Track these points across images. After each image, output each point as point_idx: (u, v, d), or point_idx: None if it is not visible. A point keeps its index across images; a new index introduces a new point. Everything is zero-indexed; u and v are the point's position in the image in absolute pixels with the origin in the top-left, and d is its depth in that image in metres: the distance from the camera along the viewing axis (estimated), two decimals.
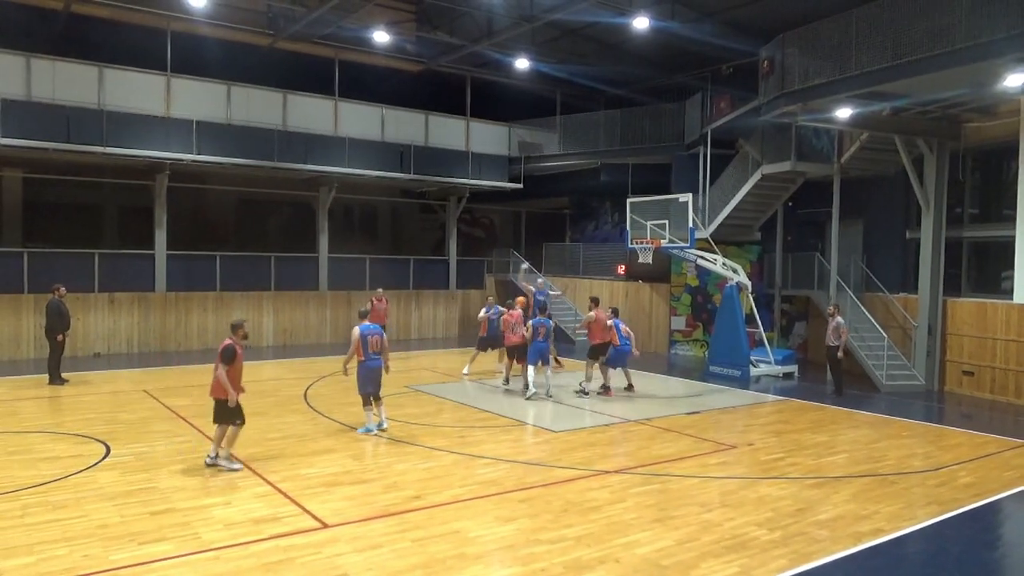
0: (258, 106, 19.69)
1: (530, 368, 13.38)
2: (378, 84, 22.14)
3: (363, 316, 10.87)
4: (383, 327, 18.00)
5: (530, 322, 13.76)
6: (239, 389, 8.80)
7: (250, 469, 8.67)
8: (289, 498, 7.67)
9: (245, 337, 9.10)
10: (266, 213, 24.12)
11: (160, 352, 18.96)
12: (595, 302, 14.33)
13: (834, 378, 14.86)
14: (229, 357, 8.62)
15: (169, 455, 9.24)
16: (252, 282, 20.75)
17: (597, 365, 13.99)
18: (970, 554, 6.81)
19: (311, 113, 20.51)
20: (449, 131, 23.13)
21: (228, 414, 8.69)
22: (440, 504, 7.60)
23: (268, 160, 19.42)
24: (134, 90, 17.93)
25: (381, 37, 19.48)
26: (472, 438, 10.55)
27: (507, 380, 14.56)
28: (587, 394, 13.69)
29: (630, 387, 14.32)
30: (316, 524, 6.96)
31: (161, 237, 19.30)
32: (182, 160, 18.33)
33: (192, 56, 19.07)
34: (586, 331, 14.70)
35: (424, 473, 8.69)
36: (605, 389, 13.92)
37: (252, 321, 20.64)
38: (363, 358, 10.33)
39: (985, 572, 6.55)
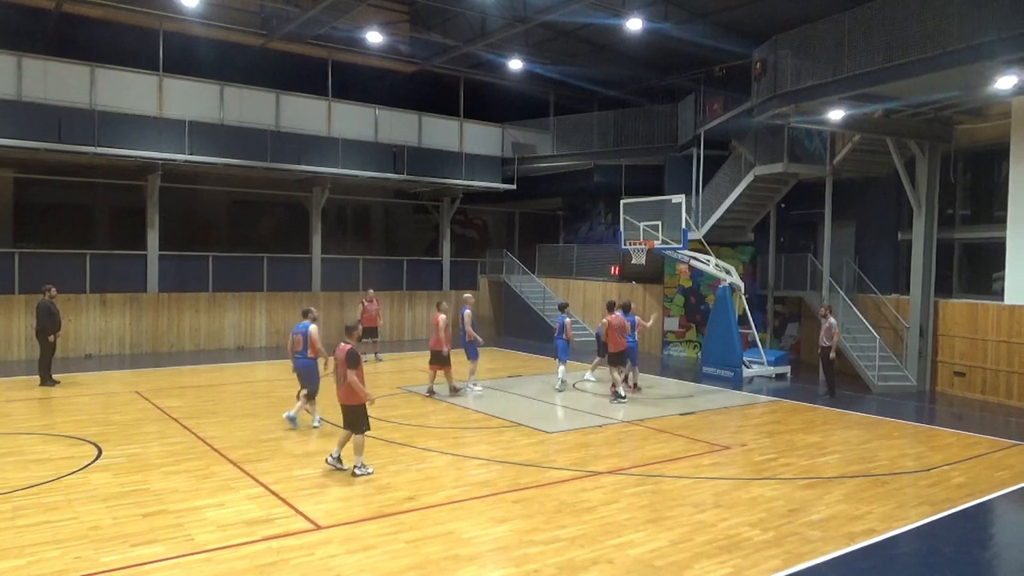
0: (251, 106, 19.64)
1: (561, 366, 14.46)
2: (371, 85, 22.12)
3: (304, 315, 11.08)
4: (376, 329, 18.10)
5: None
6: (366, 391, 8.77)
7: (243, 470, 8.65)
8: (282, 499, 7.65)
9: (360, 339, 9.27)
10: (259, 214, 24.07)
11: (152, 353, 18.89)
12: (610, 307, 14.04)
13: (827, 379, 14.91)
14: (355, 360, 8.55)
15: (161, 456, 9.21)
16: (245, 283, 20.69)
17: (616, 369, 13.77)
18: (963, 554, 6.84)
19: (304, 113, 20.48)
20: (442, 132, 23.12)
21: (355, 420, 8.60)
22: (433, 505, 7.59)
23: (261, 161, 19.38)
24: (126, 90, 17.85)
25: (374, 38, 19.46)
26: (465, 439, 10.55)
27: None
28: (624, 397, 13.56)
29: (636, 387, 14.43)
30: (309, 525, 6.94)
31: (153, 238, 19.23)
32: (174, 160, 18.27)
33: (185, 56, 19.01)
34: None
35: (417, 474, 8.69)
36: (631, 387, 14.34)
37: (244, 322, 20.61)
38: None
39: (978, 572, 6.58)
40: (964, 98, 13.84)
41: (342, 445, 8.77)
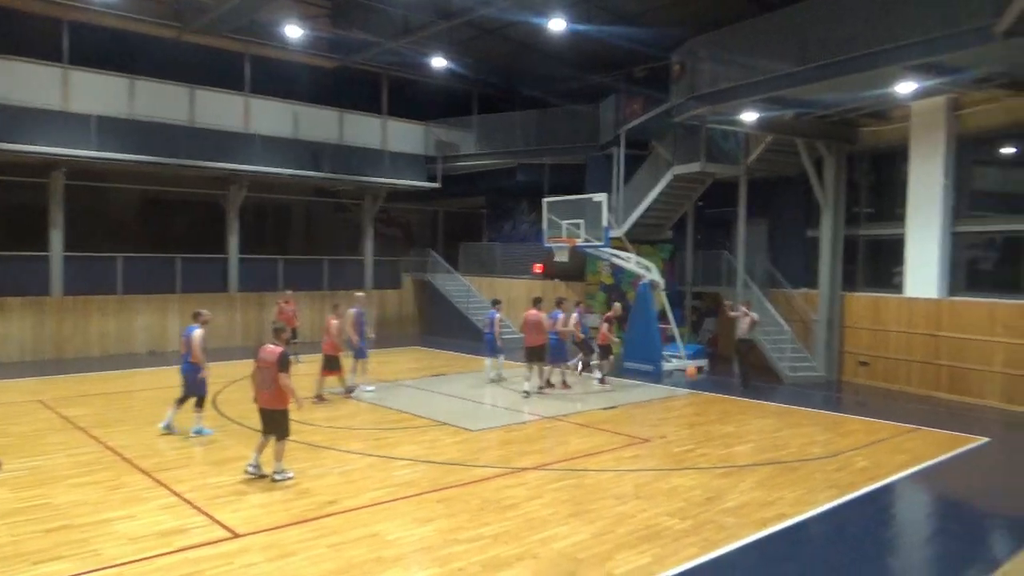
0: (164, 101, 18.91)
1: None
2: (291, 80, 21.62)
3: (194, 318, 10.76)
4: (294, 330, 17.66)
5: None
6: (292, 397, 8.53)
7: (155, 480, 8.32)
8: (197, 508, 7.40)
9: (287, 342, 8.94)
10: (172, 212, 23.12)
11: (56, 360, 17.92)
12: (535, 302, 14.56)
13: (741, 371, 15.44)
14: (286, 363, 8.29)
15: (67, 468, 8.77)
16: (157, 284, 19.87)
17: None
18: (866, 534, 7.21)
19: (220, 109, 19.84)
20: (365, 129, 22.81)
21: (276, 426, 8.39)
22: (356, 508, 7.49)
23: (174, 157, 18.66)
24: (26, 82, 16.91)
25: (294, 32, 19.01)
26: (389, 440, 10.45)
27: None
28: (535, 392, 13.85)
29: (564, 384, 14.72)
30: (226, 534, 6.74)
31: (57, 238, 18.26)
32: (80, 157, 17.39)
33: (93, 47, 18.12)
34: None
35: (339, 477, 8.55)
36: (552, 385, 14.52)
37: (156, 325, 19.82)
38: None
39: (880, 550, 6.95)
40: (868, 102, 14.55)
41: (260, 451, 8.52)
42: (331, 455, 9.54)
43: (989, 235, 14.95)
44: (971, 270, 14.98)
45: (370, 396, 13.50)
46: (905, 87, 12.98)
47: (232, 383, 14.71)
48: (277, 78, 21.24)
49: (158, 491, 7.94)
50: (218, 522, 7.02)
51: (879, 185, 17.18)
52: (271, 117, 20.78)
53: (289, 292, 18.45)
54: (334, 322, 13.30)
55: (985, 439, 11.06)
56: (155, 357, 18.88)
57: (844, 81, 12.74)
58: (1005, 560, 6.41)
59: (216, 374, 15.73)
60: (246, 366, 16.53)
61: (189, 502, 7.58)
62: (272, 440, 8.44)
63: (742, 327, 15.29)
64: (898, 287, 15.71)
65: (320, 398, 13.00)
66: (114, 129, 17.81)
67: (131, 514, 7.22)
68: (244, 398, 13.17)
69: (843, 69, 12.43)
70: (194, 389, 10.46)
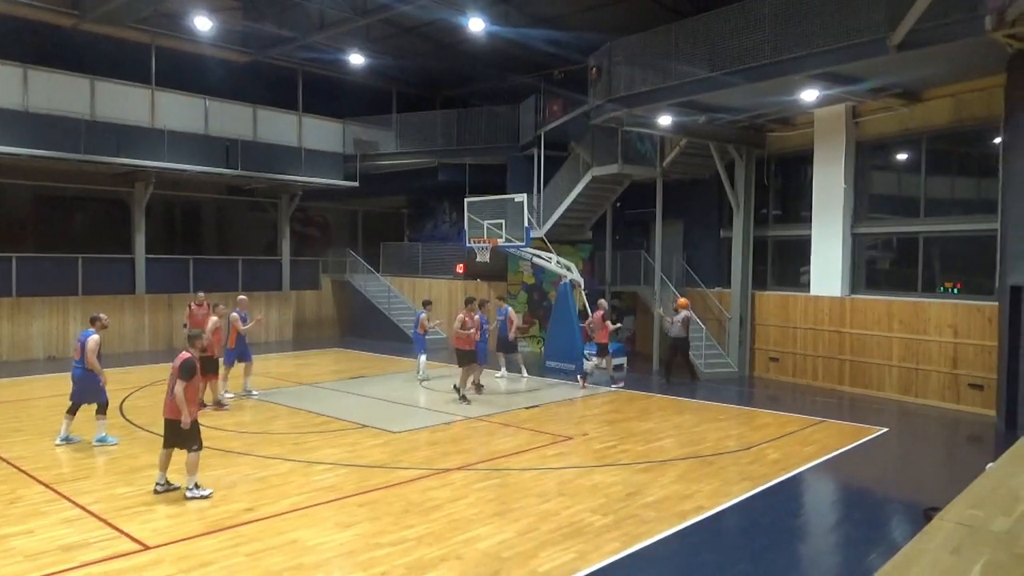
0: (61, 93, 17.86)
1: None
2: (201, 74, 20.82)
3: (91, 322, 10.26)
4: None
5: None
6: (197, 408, 7.93)
7: (56, 492, 7.85)
8: (103, 520, 7.02)
9: (203, 350, 8.24)
10: (72, 210, 21.90)
11: None
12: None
13: (674, 367, 15.88)
14: (189, 371, 7.71)
15: None
16: (55, 286, 18.78)
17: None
18: (778, 522, 7.51)
19: (124, 102, 18.89)
20: (280, 126, 22.19)
21: (182, 437, 7.70)
22: (275, 514, 7.27)
23: (74, 152, 17.65)
24: None
25: (203, 24, 18.28)
26: (309, 444, 10.20)
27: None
28: (465, 398, 13.39)
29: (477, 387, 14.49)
30: (136, 547, 6.42)
31: None
32: None
33: None
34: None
35: (258, 483, 8.28)
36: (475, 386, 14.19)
37: (56, 330, 18.75)
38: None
39: (791, 537, 7.25)
40: (775, 108, 15.17)
41: (165, 467, 7.91)
42: (247, 461, 9.24)
43: (886, 236, 15.84)
44: (870, 269, 15.84)
45: (229, 402, 12.73)
46: (809, 95, 13.63)
47: (139, 389, 14.07)
48: (186, 71, 20.41)
49: (59, 504, 7.50)
50: (126, 534, 6.68)
51: (786, 188, 17.94)
52: (180, 111, 19.94)
53: (201, 294, 17.43)
54: (213, 318, 12.46)
55: (884, 429, 11.70)
56: (54, 363, 17.85)
57: (751, 88, 13.26)
58: (904, 543, 6.80)
59: (123, 380, 15.09)
60: (154, 371, 15.91)
61: (94, 514, 7.19)
62: (182, 453, 7.82)
63: (676, 327, 15.73)
64: (805, 286, 16.44)
65: (219, 404, 12.30)
66: (6, 121, 16.72)
67: (29, 529, 6.79)
68: (152, 404, 12.61)
69: (750, 76, 12.96)
70: (90, 396, 9.90)
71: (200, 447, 7.86)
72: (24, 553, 6.23)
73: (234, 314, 13.14)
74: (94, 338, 9.86)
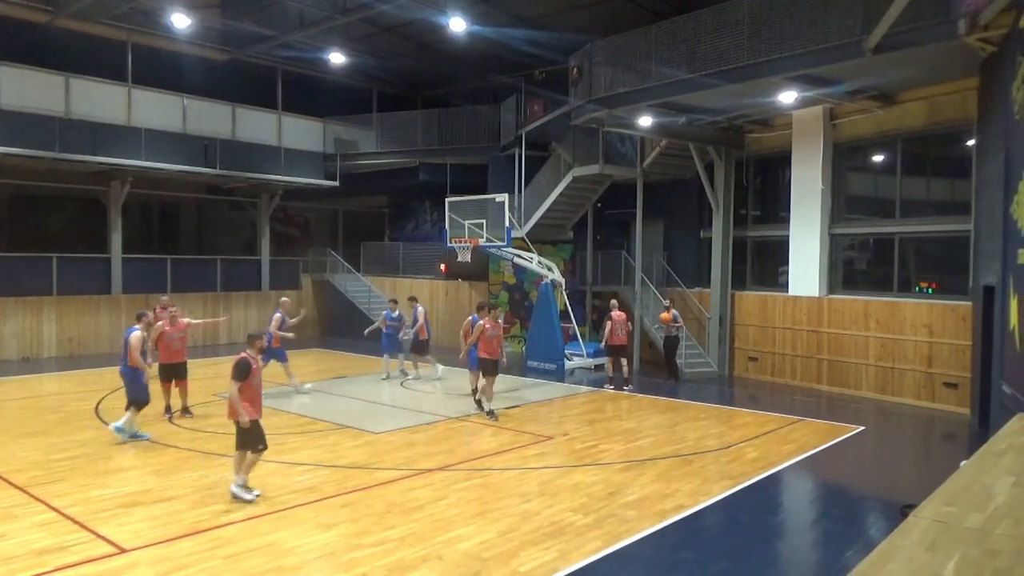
0: (35, 90, 17.58)
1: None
2: (179, 72, 20.57)
3: (137, 319, 10.54)
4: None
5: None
6: (259, 409, 7.92)
7: (30, 495, 7.74)
8: (79, 524, 6.93)
9: (261, 351, 8.24)
10: (46, 209, 21.57)
11: None
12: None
13: (670, 365, 16.15)
14: (243, 372, 7.73)
15: None
16: (29, 286, 18.47)
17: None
18: (757, 520, 7.57)
19: (100, 100, 18.63)
20: (259, 125, 22.00)
21: (250, 439, 7.77)
22: (254, 516, 7.22)
23: (48, 151, 17.39)
24: None
25: (180, 22, 18.07)
26: (289, 445, 10.13)
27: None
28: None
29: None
30: (112, 550, 6.34)
31: None
32: None
33: None
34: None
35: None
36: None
37: (30, 330, 18.47)
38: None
39: (770, 535, 7.31)
40: (753, 109, 15.29)
41: (238, 470, 7.84)
42: (227, 462, 9.14)
43: (863, 237, 16.03)
44: (847, 269, 16.01)
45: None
46: (786, 96, 13.76)
47: (117, 390, 13.87)
48: (163, 69, 20.17)
49: (33, 507, 7.39)
50: (102, 537, 6.60)
51: (765, 189, 18.10)
52: (157, 110, 19.71)
53: (165, 297, 16.35)
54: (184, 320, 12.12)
55: (861, 427, 11.83)
56: (29, 364, 17.59)
57: (729, 89, 13.35)
58: (881, 540, 6.88)
59: (97, 381, 14.89)
60: None
61: (69, 517, 7.09)
62: (244, 452, 7.84)
63: (667, 327, 16.04)
64: (784, 286, 16.59)
65: (186, 410, 11.77)
66: None
67: (2, 533, 6.68)
68: None
69: (727, 78, 13.05)
70: (131, 393, 10.07)
71: (264, 447, 7.92)
72: None
73: (276, 315, 13.58)
74: (136, 335, 10.08)
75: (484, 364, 12.18)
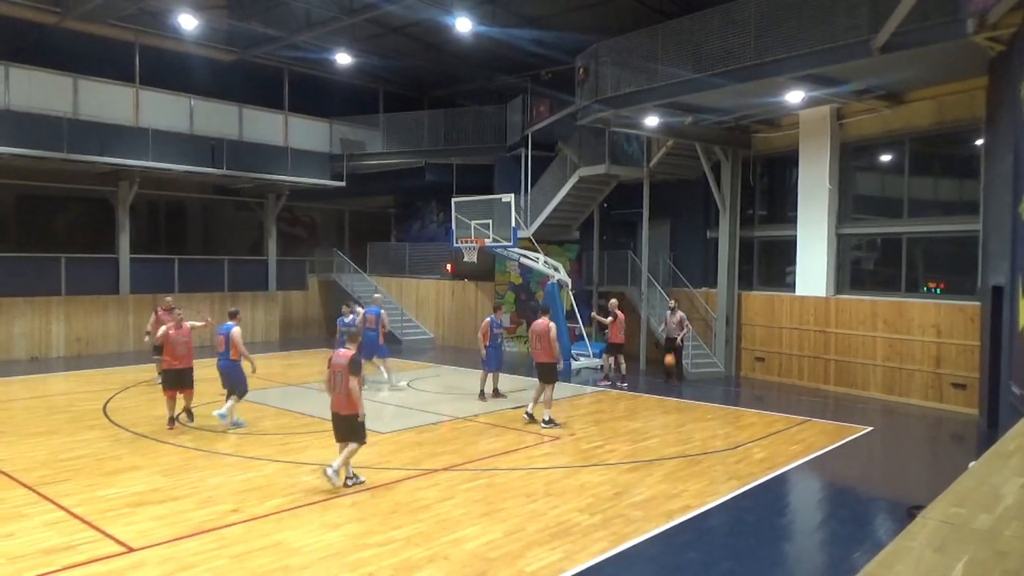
0: (44, 91, 17.65)
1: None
2: (186, 73, 20.64)
3: (230, 317, 11.26)
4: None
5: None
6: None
7: (39, 494, 7.77)
8: (86, 523, 6.96)
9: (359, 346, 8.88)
10: (54, 210, 21.69)
11: None
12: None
13: (678, 366, 16.09)
14: (359, 367, 8.17)
15: None
16: (38, 286, 18.55)
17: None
18: (764, 521, 7.55)
19: (107, 101, 18.69)
20: (266, 125, 22.05)
21: (355, 430, 8.22)
22: (261, 516, 7.23)
23: (56, 151, 17.46)
24: None
25: (188, 23, 18.13)
26: (295, 444, 10.16)
27: None
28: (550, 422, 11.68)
29: (496, 393, 13.78)
30: (120, 549, 6.36)
31: None
32: None
33: None
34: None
35: (243, 484, 8.24)
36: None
37: (38, 330, 18.56)
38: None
39: (777, 536, 7.29)
40: (760, 109, 15.25)
41: (345, 460, 8.24)
42: (233, 462, 9.18)
43: (870, 237, 15.96)
44: (855, 270, 15.96)
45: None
46: (793, 96, 13.71)
47: (124, 390, 13.95)
48: (171, 70, 20.24)
49: (42, 506, 7.42)
50: (110, 536, 6.62)
51: (772, 189, 18.04)
52: (164, 110, 19.77)
53: (169, 299, 15.42)
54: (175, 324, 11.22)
55: (869, 428, 11.79)
56: (37, 364, 17.68)
57: (736, 89, 13.32)
58: (888, 541, 6.86)
59: (105, 381, 14.96)
60: (138, 372, 15.79)
61: (78, 517, 7.12)
62: (350, 445, 8.24)
63: (672, 327, 15.98)
64: (791, 286, 16.53)
65: (173, 421, 10.93)
66: None
67: (10, 532, 6.71)
68: (135, 405, 12.54)
69: (734, 78, 13.02)
70: (232, 385, 10.81)
71: (365, 440, 8.36)
72: (5, 556, 6.16)
73: (362, 312, 14.37)
74: (237, 330, 10.81)
75: (543, 369, 11.53)
